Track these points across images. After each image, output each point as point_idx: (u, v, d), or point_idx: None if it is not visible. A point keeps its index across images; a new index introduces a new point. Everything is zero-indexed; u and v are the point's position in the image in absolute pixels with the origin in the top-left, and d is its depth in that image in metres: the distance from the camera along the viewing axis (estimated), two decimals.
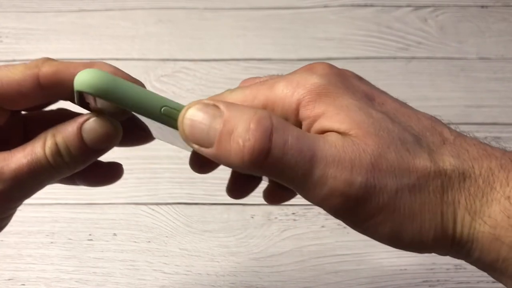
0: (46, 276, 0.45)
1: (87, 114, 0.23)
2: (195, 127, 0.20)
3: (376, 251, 0.46)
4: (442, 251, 0.21)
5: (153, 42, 0.62)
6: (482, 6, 0.65)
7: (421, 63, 0.60)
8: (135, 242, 0.47)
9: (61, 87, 0.23)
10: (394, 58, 0.60)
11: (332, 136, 0.20)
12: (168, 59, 0.61)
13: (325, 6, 0.66)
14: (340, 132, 0.20)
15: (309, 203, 0.21)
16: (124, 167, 0.28)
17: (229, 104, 0.20)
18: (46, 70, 0.23)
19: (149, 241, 0.47)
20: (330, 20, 0.64)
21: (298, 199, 0.48)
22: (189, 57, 0.61)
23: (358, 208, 0.19)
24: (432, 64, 0.60)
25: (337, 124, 0.20)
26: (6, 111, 0.24)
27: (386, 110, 0.22)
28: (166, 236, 0.47)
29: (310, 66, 0.24)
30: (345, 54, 0.61)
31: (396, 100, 0.23)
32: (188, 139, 0.20)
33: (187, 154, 0.27)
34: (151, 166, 0.52)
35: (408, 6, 0.66)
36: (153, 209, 0.49)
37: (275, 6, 0.66)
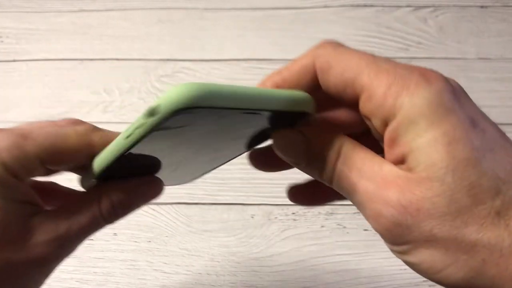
0: None
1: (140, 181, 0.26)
2: (287, 149, 0.23)
3: (376, 251, 0.46)
4: None
5: (153, 42, 0.62)
6: (482, 6, 0.65)
7: (421, 63, 0.59)
8: (135, 242, 0.47)
9: None
10: (394, 58, 0.60)
11: (387, 169, 0.21)
12: (168, 59, 0.61)
13: (325, 6, 0.66)
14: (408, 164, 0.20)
15: None
16: None
17: (312, 135, 0.22)
18: (98, 140, 0.24)
19: (149, 241, 0.47)
20: (330, 20, 0.65)
21: None
22: (189, 57, 0.61)
23: (392, 237, 0.20)
24: (432, 64, 0.60)
25: (412, 162, 0.20)
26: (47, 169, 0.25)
27: (484, 141, 0.20)
28: (166, 236, 0.47)
29: (424, 72, 0.22)
30: None
31: (497, 128, 0.21)
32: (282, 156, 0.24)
33: None
34: None
35: (408, 6, 0.66)
36: (153, 209, 0.49)
37: (275, 6, 0.66)
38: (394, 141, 0.20)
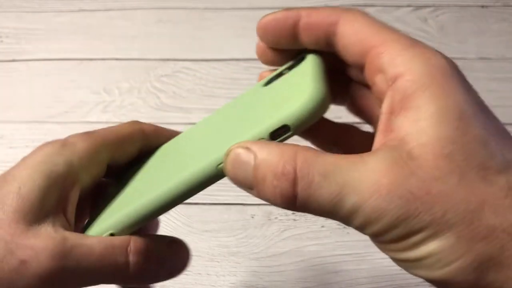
0: None
1: None
2: (237, 175, 0.20)
3: (376, 251, 0.46)
4: None
5: (153, 42, 0.62)
6: (482, 6, 0.65)
7: None
8: None
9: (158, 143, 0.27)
10: None
11: (378, 156, 0.18)
12: (168, 59, 0.61)
13: (325, 6, 0.66)
14: (406, 143, 0.18)
15: None
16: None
17: (260, 148, 0.19)
18: (148, 127, 0.27)
19: None
20: None
21: None
22: (189, 57, 0.61)
23: (397, 233, 0.17)
24: None
25: (414, 135, 0.18)
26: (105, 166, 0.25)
27: (493, 123, 0.19)
28: None
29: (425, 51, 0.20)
30: None
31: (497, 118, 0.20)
32: (236, 184, 0.21)
33: None
34: None
35: (409, 6, 0.66)
36: None
37: (275, 6, 0.66)
38: (399, 104, 0.18)
